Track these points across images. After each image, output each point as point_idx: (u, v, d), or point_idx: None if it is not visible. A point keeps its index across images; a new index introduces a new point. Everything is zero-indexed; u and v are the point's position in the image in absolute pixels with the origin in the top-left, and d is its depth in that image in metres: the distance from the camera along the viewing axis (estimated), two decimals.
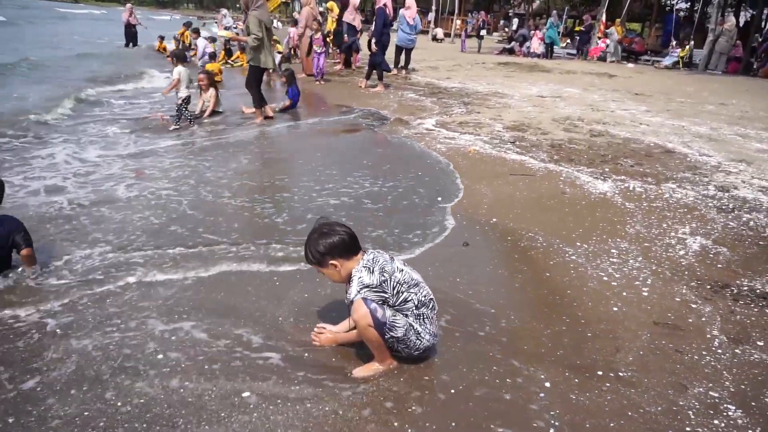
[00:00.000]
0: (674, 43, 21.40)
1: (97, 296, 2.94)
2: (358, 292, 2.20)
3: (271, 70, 8.11)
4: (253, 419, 2.04)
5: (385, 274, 2.24)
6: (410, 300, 2.28)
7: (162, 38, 18.02)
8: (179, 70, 7.61)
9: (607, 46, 21.67)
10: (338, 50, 15.41)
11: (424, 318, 2.30)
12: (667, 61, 20.40)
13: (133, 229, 3.87)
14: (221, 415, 2.05)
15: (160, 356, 2.41)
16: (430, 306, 2.34)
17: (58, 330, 2.61)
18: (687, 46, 19.93)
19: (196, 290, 3.03)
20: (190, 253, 3.49)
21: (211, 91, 8.19)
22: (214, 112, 8.18)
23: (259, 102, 7.62)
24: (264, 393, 2.18)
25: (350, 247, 2.31)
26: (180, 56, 7.93)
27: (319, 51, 11.61)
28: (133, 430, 1.98)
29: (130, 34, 19.00)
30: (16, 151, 5.81)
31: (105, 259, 3.38)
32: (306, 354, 2.45)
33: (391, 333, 2.23)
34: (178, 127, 7.33)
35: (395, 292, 2.26)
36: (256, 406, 2.10)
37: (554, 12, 23.71)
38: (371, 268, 2.25)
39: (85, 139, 6.56)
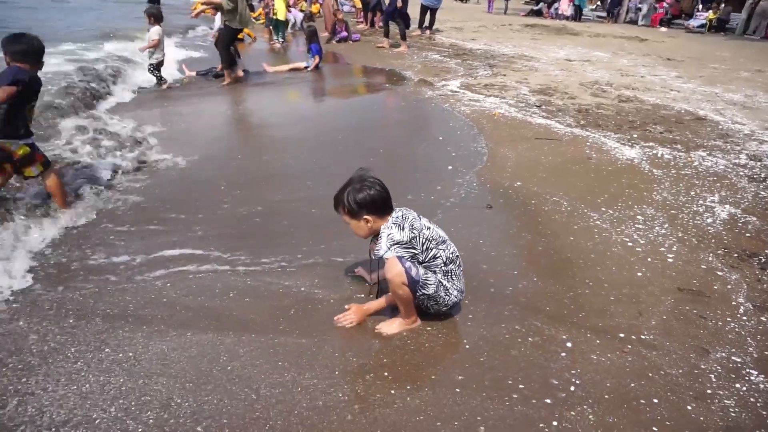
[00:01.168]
0: (700, 6, 20.55)
1: None
2: (389, 248, 2.22)
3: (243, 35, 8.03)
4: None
5: (414, 230, 2.26)
6: (439, 257, 2.30)
7: None
8: (158, 30, 7.07)
9: (639, 9, 20.87)
10: (361, 9, 15.13)
11: (452, 275, 2.33)
12: (695, 22, 19.64)
13: None
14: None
15: None
16: (458, 263, 2.37)
17: None
18: (718, 8, 19.13)
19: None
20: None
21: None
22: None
23: (228, 63, 7.60)
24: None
25: (386, 205, 2.32)
26: (157, 15, 7.17)
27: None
28: None
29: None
30: None
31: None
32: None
33: (424, 290, 2.26)
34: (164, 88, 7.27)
35: (424, 248, 2.28)
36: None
37: None
38: (401, 225, 2.26)
39: None
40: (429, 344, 2.31)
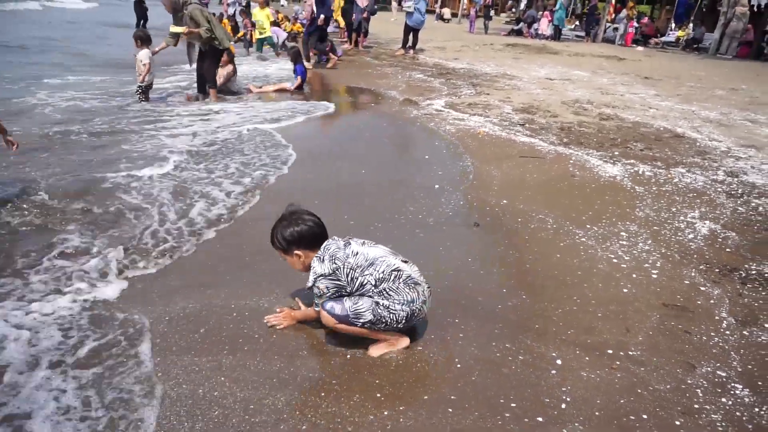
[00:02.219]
0: (673, 25, 21.40)
1: None
2: (314, 281, 2.28)
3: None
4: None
5: (337, 261, 2.27)
6: (367, 282, 2.26)
7: None
8: (147, 53, 7.00)
9: (615, 29, 21.45)
10: (345, 28, 15.29)
11: (388, 291, 2.26)
12: (666, 39, 20.49)
13: None
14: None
15: None
16: (392, 278, 2.26)
17: None
18: (686, 28, 19.98)
19: None
20: None
21: (229, 66, 8.20)
22: (229, 91, 8.20)
23: (215, 83, 7.69)
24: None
25: (318, 238, 2.34)
26: (144, 38, 7.10)
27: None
28: None
29: (141, 12, 18.09)
30: None
31: None
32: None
33: (360, 320, 2.25)
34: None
35: (350, 279, 2.27)
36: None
37: None
38: (321, 257, 2.29)
39: None
40: (420, 364, 2.31)
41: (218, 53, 7.44)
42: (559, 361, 2.34)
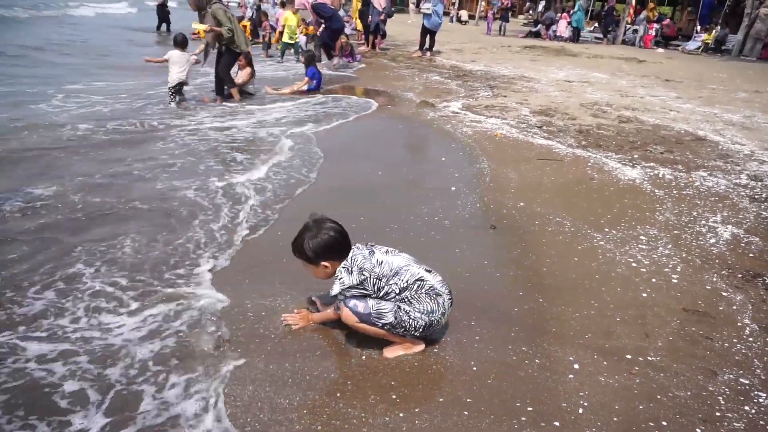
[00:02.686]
0: (698, 27, 20.90)
1: None
2: (340, 291, 2.28)
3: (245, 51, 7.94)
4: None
5: (364, 272, 2.28)
6: (391, 291, 2.28)
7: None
8: (171, 53, 7.20)
9: (635, 31, 21.18)
10: (362, 31, 15.36)
11: (410, 299, 2.28)
12: (691, 45, 19.96)
13: None
14: None
15: None
16: (415, 287, 2.29)
17: None
18: (713, 31, 19.47)
19: None
20: None
21: (247, 69, 8.27)
22: (243, 91, 8.25)
23: (233, 83, 7.76)
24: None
25: (343, 247, 2.34)
26: (179, 41, 7.29)
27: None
28: None
29: (163, 16, 18.02)
30: None
31: None
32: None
33: (382, 320, 2.26)
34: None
35: (375, 288, 2.29)
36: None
37: None
38: (350, 269, 2.29)
39: None
40: (436, 366, 2.31)
41: (235, 56, 7.53)
42: (576, 366, 2.32)
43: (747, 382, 2.25)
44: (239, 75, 8.28)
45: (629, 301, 2.86)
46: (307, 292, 2.77)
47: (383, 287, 2.28)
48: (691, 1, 25.22)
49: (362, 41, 15.61)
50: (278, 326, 2.53)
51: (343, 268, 2.30)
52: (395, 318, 2.26)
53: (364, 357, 2.35)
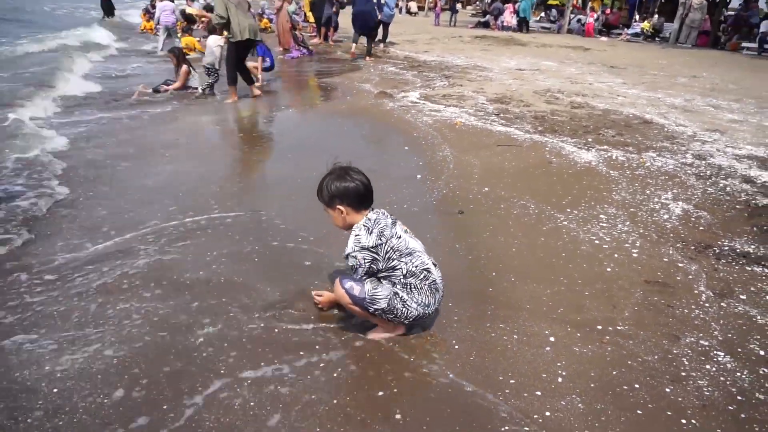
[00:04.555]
0: (637, 17, 21.94)
1: None
2: (353, 249, 2.25)
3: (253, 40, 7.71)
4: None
5: (382, 237, 2.25)
6: (399, 268, 2.27)
7: (147, 13, 17.43)
8: (213, 38, 7.77)
9: (579, 20, 21.89)
10: (314, 23, 15.22)
11: (411, 287, 2.29)
12: (630, 31, 20.92)
13: None
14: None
15: None
16: (421, 276, 2.29)
17: None
18: (650, 20, 20.49)
19: None
20: None
21: (183, 67, 8.05)
22: (186, 87, 8.07)
23: (232, 80, 7.46)
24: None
25: (362, 198, 2.31)
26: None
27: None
28: None
29: (107, 5, 18.05)
30: None
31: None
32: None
33: (374, 306, 2.27)
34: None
35: (387, 257, 2.26)
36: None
37: None
38: (370, 229, 2.26)
39: None
40: (419, 346, 2.37)
41: (232, 46, 7.18)
42: (552, 339, 2.43)
43: (706, 343, 2.42)
44: (178, 76, 8.08)
45: (595, 276, 3.01)
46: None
47: (393, 261, 2.26)
48: None
49: (314, 34, 15.49)
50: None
51: (364, 226, 2.26)
52: (388, 305, 2.27)
53: (348, 345, 2.38)
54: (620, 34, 21.52)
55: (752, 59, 14.89)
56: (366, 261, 2.25)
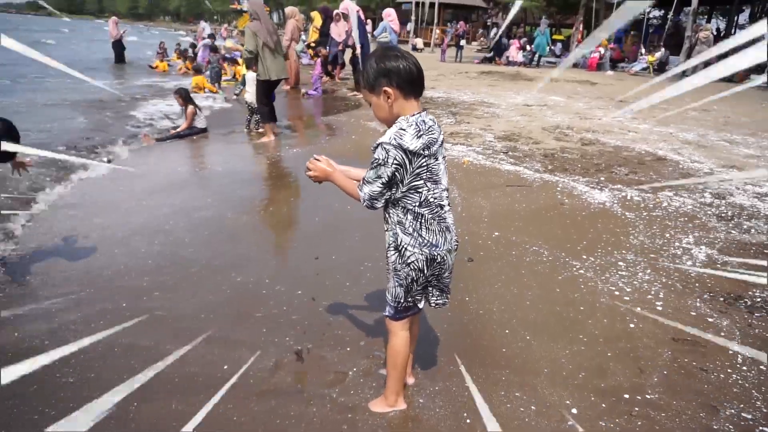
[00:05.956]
0: (643, 50, 22.02)
1: None
2: (389, 143, 1.85)
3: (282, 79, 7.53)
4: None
5: (425, 150, 1.86)
6: (420, 191, 1.92)
7: (163, 54, 17.80)
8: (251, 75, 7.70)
9: (584, 56, 22.01)
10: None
11: (421, 220, 1.95)
12: (637, 66, 20.93)
13: None
14: None
15: None
16: (435, 211, 1.94)
17: None
18: (657, 54, 20.50)
19: None
20: None
21: (189, 108, 7.92)
22: (195, 129, 7.96)
23: (268, 118, 7.36)
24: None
25: (414, 83, 1.89)
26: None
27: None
28: None
29: (119, 51, 18.33)
30: None
31: None
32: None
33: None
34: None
35: (416, 173, 1.88)
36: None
37: (543, 19, 23.80)
38: (420, 132, 1.85)
39: None
40: (426, 419, 2.13)
41: (260, 84, 7.14)
42: (574, 410, 2.18)
43: (750, 416, 2.16)
44: (185, 116, 7.97)
45: (618, 333, 2.76)
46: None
47: (421, 177, 1.89)
48: (634, 26, 26.52)
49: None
50: None
51: (416, 123, 1.85)
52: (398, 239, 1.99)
53: (351, 406, 2.16)
54: (625, 68, 21.59)
55: (763, 91, 14.76)
56: (395, 163, 1.85)
